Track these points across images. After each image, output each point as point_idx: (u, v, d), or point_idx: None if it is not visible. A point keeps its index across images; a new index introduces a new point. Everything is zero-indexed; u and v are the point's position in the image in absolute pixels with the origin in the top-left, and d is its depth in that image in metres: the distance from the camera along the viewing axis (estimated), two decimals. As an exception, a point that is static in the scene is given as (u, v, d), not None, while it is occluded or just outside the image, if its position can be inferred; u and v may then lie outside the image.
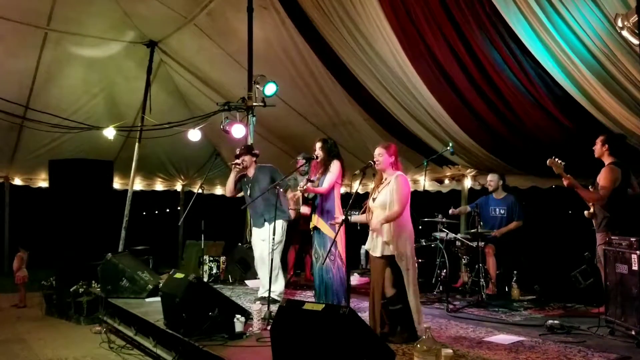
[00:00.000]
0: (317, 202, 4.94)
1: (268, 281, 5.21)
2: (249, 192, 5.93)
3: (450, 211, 6.63)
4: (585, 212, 4.98)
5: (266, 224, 5.67)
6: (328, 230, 4.83)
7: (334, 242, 4.63)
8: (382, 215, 4.12)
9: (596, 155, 4.81)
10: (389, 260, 4.12)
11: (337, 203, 4.93)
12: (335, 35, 6.59)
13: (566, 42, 4.51)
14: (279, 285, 5.70)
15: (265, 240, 5.59)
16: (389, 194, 4.13)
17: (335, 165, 4.92)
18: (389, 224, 4.08)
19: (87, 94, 9.57)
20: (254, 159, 5.96)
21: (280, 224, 5.61)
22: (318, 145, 5.07)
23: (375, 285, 4.22)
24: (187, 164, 11.96)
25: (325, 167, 4.99)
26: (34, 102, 9.04)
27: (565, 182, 4.66)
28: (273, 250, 5.22)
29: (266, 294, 5.78)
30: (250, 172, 5.93)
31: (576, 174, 4.69)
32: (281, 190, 5.58)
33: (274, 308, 4.45)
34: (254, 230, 5.95)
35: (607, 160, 4.72)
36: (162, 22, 8.25)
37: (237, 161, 5.91)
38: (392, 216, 4.07)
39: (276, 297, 5.54)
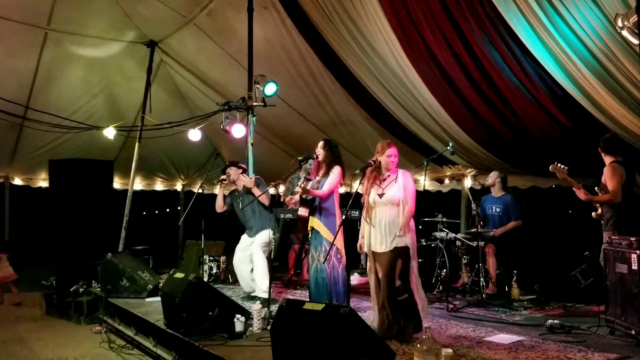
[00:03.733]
0: (316, 205, 4.95)
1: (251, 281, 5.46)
2: (240, 205, 6.10)
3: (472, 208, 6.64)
4: (593, 214, 4.97)
5: (257, 234, 5.91)
6: (325, 232, 4.83)
7: (332, 243, 4.63)
8: (391, 211, 4.22)
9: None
10: (398, 252, 4.16)
11: (337, 207, 4.95)
12: (335, 35, 6.59)
13: (566, 41, 4.51)
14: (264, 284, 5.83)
15: (253, 243, 5.87)
16: (398, 190, 4.19)
17: (336, 170, 4.93)
18: (395, 220, 4.17)
19: (87, 93, 9.57)
20: (240, 171, 6.15)
21: (267, 233, 5.81)
22: (320, 144, 5.07)
23: (388, 279, 4.20)
24: (187, 164, 11.95)
25: (326, 169, 4.99)
26: (34, 102, 9.04)
27: (575, 191, 4.64)
28: (272, 257, 5.33)
29: (256, 293, 5.86)
30: (239, 185, 6.13)
31: (576, 174, 4.69)
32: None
33: (274, 308, 4.46)
34: (244, 236, 6.14)
35: (607, 160, 4.72)
36: (162, 22, 8.25)
37: (223, 177, 6.15)
38: (410, 214, 4.25)
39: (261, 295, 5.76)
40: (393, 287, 4.17)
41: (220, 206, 6.24)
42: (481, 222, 6.07)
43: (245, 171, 6.20)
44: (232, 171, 6.08)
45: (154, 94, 9.30)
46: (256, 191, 5.84)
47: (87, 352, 5.18)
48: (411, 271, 4.23)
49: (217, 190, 6.26)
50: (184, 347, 4.23)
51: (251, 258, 5.93)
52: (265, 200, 5.80)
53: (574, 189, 4.64)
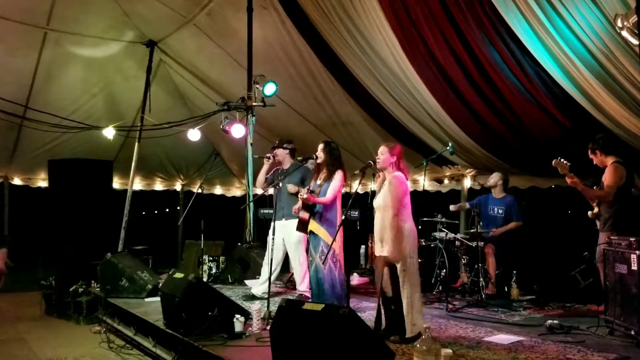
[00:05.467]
0: (317, 210, 4.95)
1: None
2: (280, 184, 5.99)
3: (451, 207, 6.65)
4: (589, 213, 4.97)
5: (284, 219, 5.81)
6: (324, 234, 4.83)
7: (331, 247, 4.63)
8: (381, 215, 4.19)
9: (600, 165, 4.81)
10: (387, 260, 4.15)
11: (339, 211, 4.95)
12: (334, 35, 6.59)
13: (566, 42, 4.51)
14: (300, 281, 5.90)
15: (284, 239, 5.77)
16: (384, 196, 4.17)
17: (338, 175, 4.94)
18: (384, 226, 4.12)
19: (86, 93, 9.57)
20: (287, 151, 6.05)
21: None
22: (320, 147, 5.08)
23: (381, 283, 4.23)
24: (186, 164, 11.96)
25: (328, 172, 4.99)
26: (33, 101, 9.03)
27: (569, 181, 4.65)
28: (272, 249, 5.25)
29: (256, 292, 5.86)
30: (285, 165, 6.02)
31: (575, 174, 4.70)
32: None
33: (274, 308, 4.46)
34: (276, 223, 5.93)
35: (609, 161, 4.73)
36: (161, 21, 8.25)
37: (268, 154, 6.04)
38: (391, 222, 4.10)
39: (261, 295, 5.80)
40: (385, 293, 4.19)
41: (261, 182, 6.17)
42: (480, 222, 6.06)
43: (293, 151, 6.11)
44: (279, 152, 6.03)
45: (154, 94, 9.30)
46: (292, 189, 5.77)
47: (87, 352, 5.17)
48: (402, 281, 4.06)
49: (263, 168, 6.14)
50: (184, 347, 4.23)
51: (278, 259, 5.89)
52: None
53: (567, 179, 4.64)
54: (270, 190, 6.39)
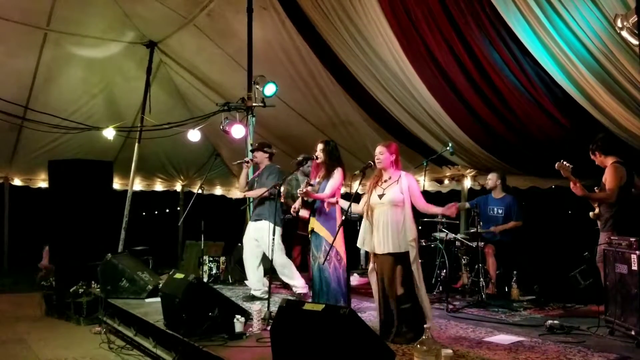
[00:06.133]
0: (317, 206, 4.95)
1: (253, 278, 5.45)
2: (255, 187, 6.07)
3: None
4: (590, 214, 4.97)
5: (258, 221, 5.88)
6: (325, 233, 4.83)
7: (332, 245, 4.63)
8: (390, 211, 4.16)
9: (600, 166, 4.81)
10: (399, 257, 4.14)
11: (338, 210, 4.95)
12: (334, 35, 6.60)
13: (566, 42, 4.52)
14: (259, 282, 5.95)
15: (259, 240, 5.85)
16: (400, 192, 4.18)
17: (338, 173, 4.93)
18: (403, 221, 4.13)
19: (86, 94, 9.57)
20: (266, 155, 6.12)
21: (270, 227, 5.66)
22: (320, 146, 5.07)
23: (387, 282, 4.21)
24: (186, 165, 11.96)
25: (327, 171, 4.99)
26: (33, 102, 9.04)
27: (572, 187, 4.65)
28: (272, 250, 5.25)
29: (255, 292, 5.87)
30: (261, 168, 6.10)
31: (576, 175, 4.69)
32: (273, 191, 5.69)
33: (274, 308, 4.46)
34: (250, 224, 6.10)
35: (609, 161, 4.73)
36: (161, 22, 8.25)
37: (246, 159, 6.15)
38: (430, 209, 4.27)
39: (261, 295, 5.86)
40: (394, 292, 4.16)
41: (242, 186, 6.28)
42: (480, 223, 6.06)
43: (272, 155, 6.18)
44: (258, 154, 6.12)
45: (154, 95, 9.30)
46: (256, 193, 5.92)
47: (87, 353, 5.17)
48: (419, 279, 4.14)
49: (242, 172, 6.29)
50: (184, 347, 4.23)
51: (258, 254, 5.99)
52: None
53: (570, 184, 4.64)
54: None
